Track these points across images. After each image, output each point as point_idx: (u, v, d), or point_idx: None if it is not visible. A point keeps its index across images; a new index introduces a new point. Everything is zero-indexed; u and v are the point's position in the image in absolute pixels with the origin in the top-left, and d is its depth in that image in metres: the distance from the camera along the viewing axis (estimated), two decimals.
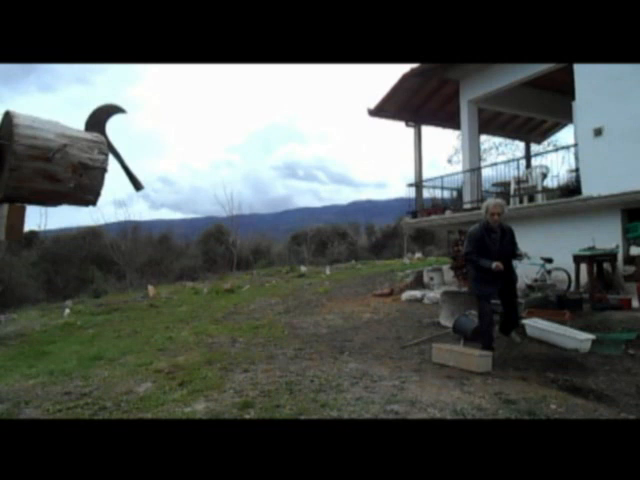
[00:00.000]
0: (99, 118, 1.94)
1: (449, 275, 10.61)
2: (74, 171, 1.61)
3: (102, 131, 1.91)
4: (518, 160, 11.28)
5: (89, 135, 1.73)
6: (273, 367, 4.86)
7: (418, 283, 10.62)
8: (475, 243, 5.08)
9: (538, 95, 11.66)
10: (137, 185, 2.09)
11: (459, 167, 12.93)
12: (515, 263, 7.78)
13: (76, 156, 1.62)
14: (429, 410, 3.39)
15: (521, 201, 9.71)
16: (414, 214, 12.02)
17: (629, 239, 7.44)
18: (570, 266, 7.63)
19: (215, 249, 26.16)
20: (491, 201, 5.17)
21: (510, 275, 5.23)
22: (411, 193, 12.36)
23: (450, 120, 12.70)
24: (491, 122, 13.79)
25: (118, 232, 23.75)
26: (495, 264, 4.85)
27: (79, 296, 17.04)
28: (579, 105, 8.26)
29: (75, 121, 1.84)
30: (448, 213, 11.01)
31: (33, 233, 21.88)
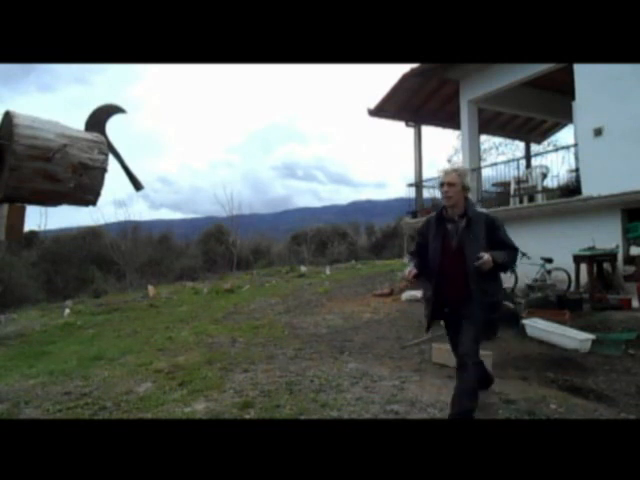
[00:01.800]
0: (99, 118, 1.94)
1: None
2: (74, 171, 1.61)
3: (102, 131, 1.91)
4: (518, 160, 11.29)
5: (89, 135, 1.73)
6: (273, 367, 4.86)
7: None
8: (417, 238, 3.47)
9: (538, 95, 11.67)
10: (137, 185, 2.09)
11: None
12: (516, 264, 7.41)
13: (76, 156, 1.62)
14: (429, 410, 3.39)
15: (521, 201, 9.72)
16: (414, 214, 12.03)
17: (629, 239, 7.45)
18: (570, 266, 7.63)
19: (215, 249, 26.14)
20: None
21: (466, 299, 2.98)
22: (411, 193, 12.37)
23: (450, 120, 12.70)
24: (491, 122, 13.80)
25: (118, 232, 23.73)
26: (407, 271, 3.26)
27: (79, 296, 17.02)
28: (579, 105, 8.26)
29: (75, 121, 1.84)
30: None
31: (33, 233, 21.86)
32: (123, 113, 2.05)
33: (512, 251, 3.07)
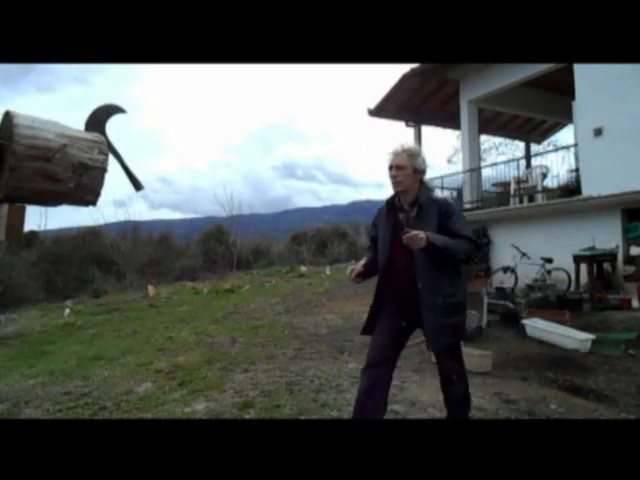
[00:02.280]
0: (99, 118, 1.93)
1: None
2: (74, 171, 1.61)
3: (102, 131, 1.90)
4: (518, 160, 11.30)
5: (89, 135, 1.73)
6: (273, 367, 4.86)
7: None
8: (370, 230, 2.98)
9: (538, 95, 11.68)
10: (137, 185, 2.09)
11: (459, 167, 12.94)
12: (515, 261, 7.29)
13: (76, 156, 1.62)
14: (429, 410, 3.39)
15: (521, 201, 9.72)
16: None
17: (629, 239, 7.45)
18: (570, 266, 7.63)
19: (215, 249, 26.13)
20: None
21: (417, 303, 2.47)
22: None
23: (450, 120, 12.70)
24: (491, 122, 13.80)
25: (118, 232, 23.72)
26: (350, 269, 2.77)
27: (79, 296, 17.02)
28: (579, 105, 8.26)
29: (75, 121, 1.84)
30: None
31: (33, 233, 21.85)
32: (123, 113, 2.04)
33: (465, 241, 2.48)
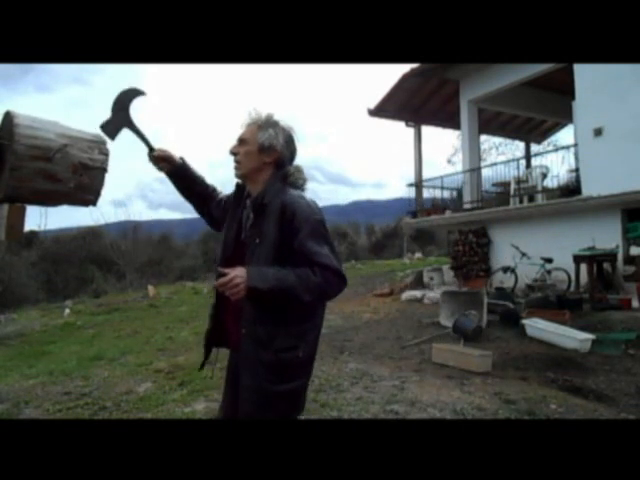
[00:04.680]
0: (123, 104, 1.99)
1: (449, 275, 10.63)
2: (74, 171, 1.61)
3: (128, 114, 1.97)
4: (518, 160, 11.30)
5: (89, 135, 1.73)
6: None
7: (418, 283, 10.64)
8: (224, 196, 2.13)
9: (538, 95, 11.68)
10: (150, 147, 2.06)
11: (459, 167, 12.94)
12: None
13: (76, 156, 1.62)
14: (429, 410, 3.39)
15: (521, 201, 9.73)
16: (414, 214, 12.03)
17: (629, 239, 7.45)
18: (570, 266, 7.64)
19: (215, 249, 26.14)
20: None
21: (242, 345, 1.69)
22: (411, 193, 12.38)
23: (450, 120, 12.71)
24: (491, 122, 13.80)
25: (118, 232, 23.74)
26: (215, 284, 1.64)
27: (79, 296, 17.04)
28: (579, 105, 8.26)
29: (74, 121, 1.84)
30: (448, 213, 11.03)
31: (33, 233, 21.84)
32: (143, 95, 2.08)
33: (317, 271, 1.58)
